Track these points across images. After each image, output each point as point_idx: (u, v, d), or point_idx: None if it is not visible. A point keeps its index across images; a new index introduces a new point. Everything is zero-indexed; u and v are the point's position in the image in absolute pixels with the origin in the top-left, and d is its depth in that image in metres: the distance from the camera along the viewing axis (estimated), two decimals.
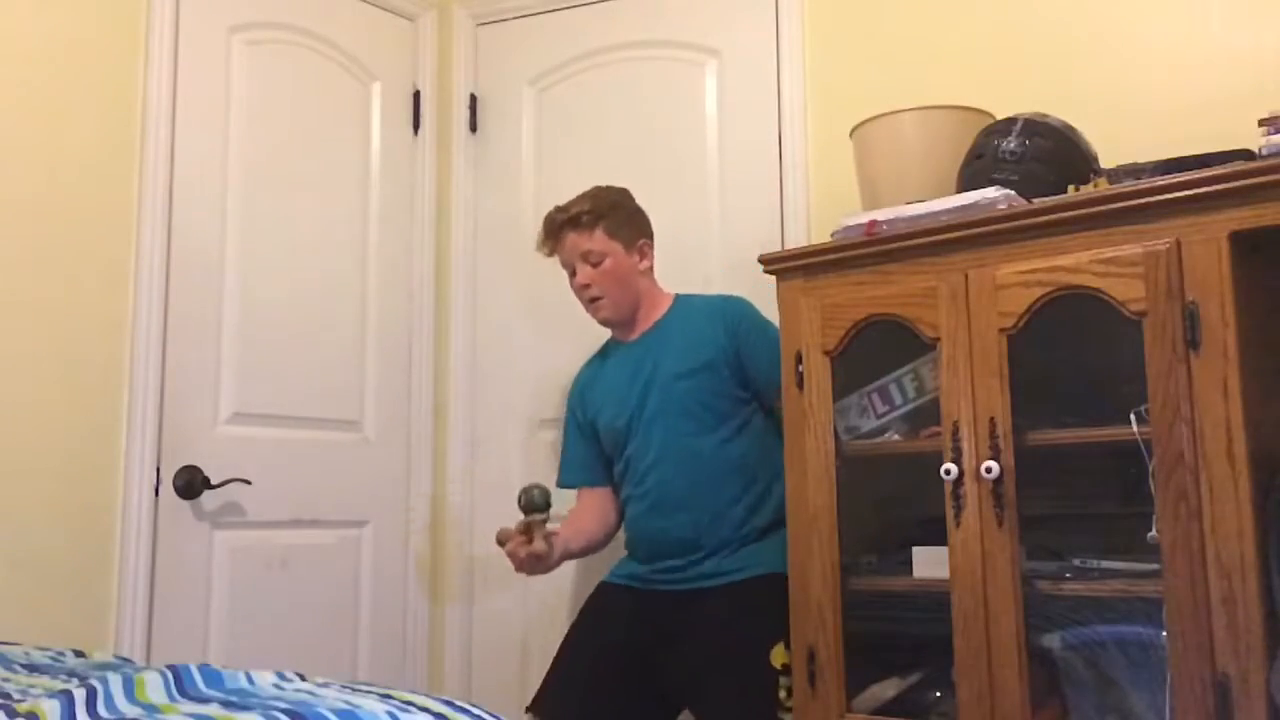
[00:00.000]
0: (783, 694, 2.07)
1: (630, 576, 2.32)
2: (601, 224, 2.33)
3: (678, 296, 2.42)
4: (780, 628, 2.09)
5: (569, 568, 2.42)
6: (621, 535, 2.40)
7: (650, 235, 2.41)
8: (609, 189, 2.40)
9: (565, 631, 2.34)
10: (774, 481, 2.24)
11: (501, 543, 2.17)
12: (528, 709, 2.22)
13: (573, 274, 2.37)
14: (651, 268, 2.41)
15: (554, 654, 2.29)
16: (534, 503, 2.14)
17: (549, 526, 2.18)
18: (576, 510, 2.41)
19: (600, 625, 2.29)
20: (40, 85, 2.29)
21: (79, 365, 2.30)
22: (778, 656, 2.09)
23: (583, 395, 2.45)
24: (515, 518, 2.15)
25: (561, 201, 2.38)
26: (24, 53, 2.28)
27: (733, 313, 2.32)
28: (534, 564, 2.16)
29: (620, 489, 2.38)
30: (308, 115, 2.77)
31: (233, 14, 2.64)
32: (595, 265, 2.32)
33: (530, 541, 2.13)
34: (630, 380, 2.34)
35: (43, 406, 2.24)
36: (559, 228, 2.36)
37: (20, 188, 2.25)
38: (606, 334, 2.47)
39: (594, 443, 2.42)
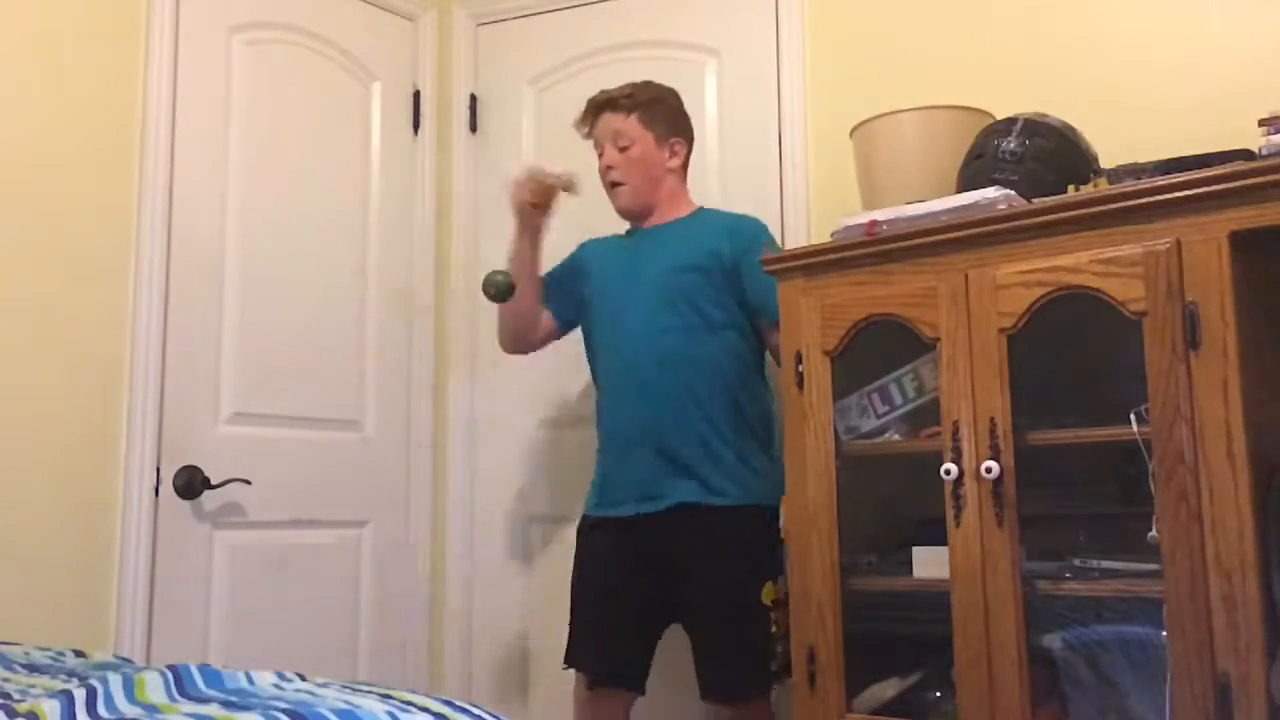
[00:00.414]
0: (773, 628, 2.14)
1: (613, 504, 2.32)
2: (637, 111, 2.36)
3: (701, 208, 2.45)
4: (770, 564, 2.15)
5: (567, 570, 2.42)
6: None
7: (688, 137, 2.44)
8: (657, 84, 2.42)
9: (568, 606, 2.37)
10: (750, 403, 2.29)
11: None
12: (565, 663, 2.31)
13: (600, 154, 2.40)
14: (684, 168, 2.44)
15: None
16: (501, 288, 2.25)
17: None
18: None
19: (599, 568, 2.33)
20: (40, 85, 2.29)
21: (79, 365, 2.30)
22: (767, 594, 2.16)
23: (596, 256, 2.48)
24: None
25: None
26: (24, 52, 2.28)
27: (745, 229, 2.35)
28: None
29: (592, 366, 2.44)
30: (308, 115, 2.77)
31: (233, 14, 2.64)
32: (622, 150, 2.35)
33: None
34: (630, 260, 2.38)
35: (43, 406, 2.24)
36: (597, 106, 2.39)
37: (21, 187, 2.25)
38: None
39: (577, 288, 2.46)
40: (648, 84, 2.41)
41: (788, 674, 2.08)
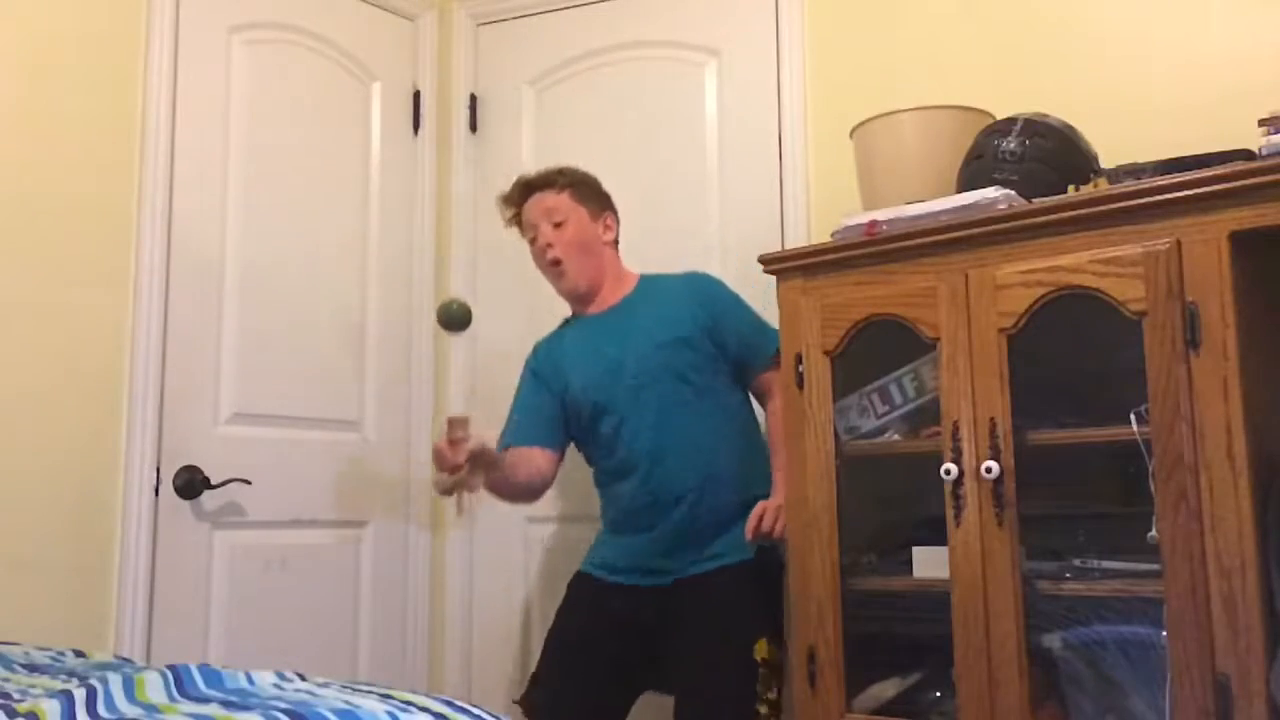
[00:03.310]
0: (759, 687, 2.08)
1: (615, 570, 2.28)
2: (570, 188, 2.33)
3: (643, 276, 2.40)
4: (767, 620, 2.12)
5: (567, 570, 2.42)
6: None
7: (616, 213, 2.40)
8: (578, 168, 2.39)
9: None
10: (755, 457, 2.27)
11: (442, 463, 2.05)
12: (515, 700, 2.25)
13: (533, 239, 2.34)
14: (616, 243, 2.39)
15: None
16: (453, 317, 2.11)
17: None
18: (516, 453, 2.29)
19: (585, 620, 2.28)
20: (41, 85, 2.29)
21: (79, 365, 2.30)
22: (760, 650, 2.11)
23: (555, 361, 2.36)
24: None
25: None
26: (24, 53, 2.28)
27: (705, 288, 2.32)
28: (471, 469, 2.04)
29: (598, 470, 2.35)
30: (308, 115, 2.77)
31: (233, 14, 2.64)
32: (557, 226, 2.30)
33: (462, 441, 2.02)
34: (601, 353, 2.29)
35: (43, 407, 2.24)
36: (524, 187, 2.35)
37: (20, 187, 2.24)
38: None
39: (556, 405, 2.34)
40: (570, 167, 2.37)
41: None
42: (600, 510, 2.39)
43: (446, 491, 2.09)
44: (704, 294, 2.31)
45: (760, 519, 2.13)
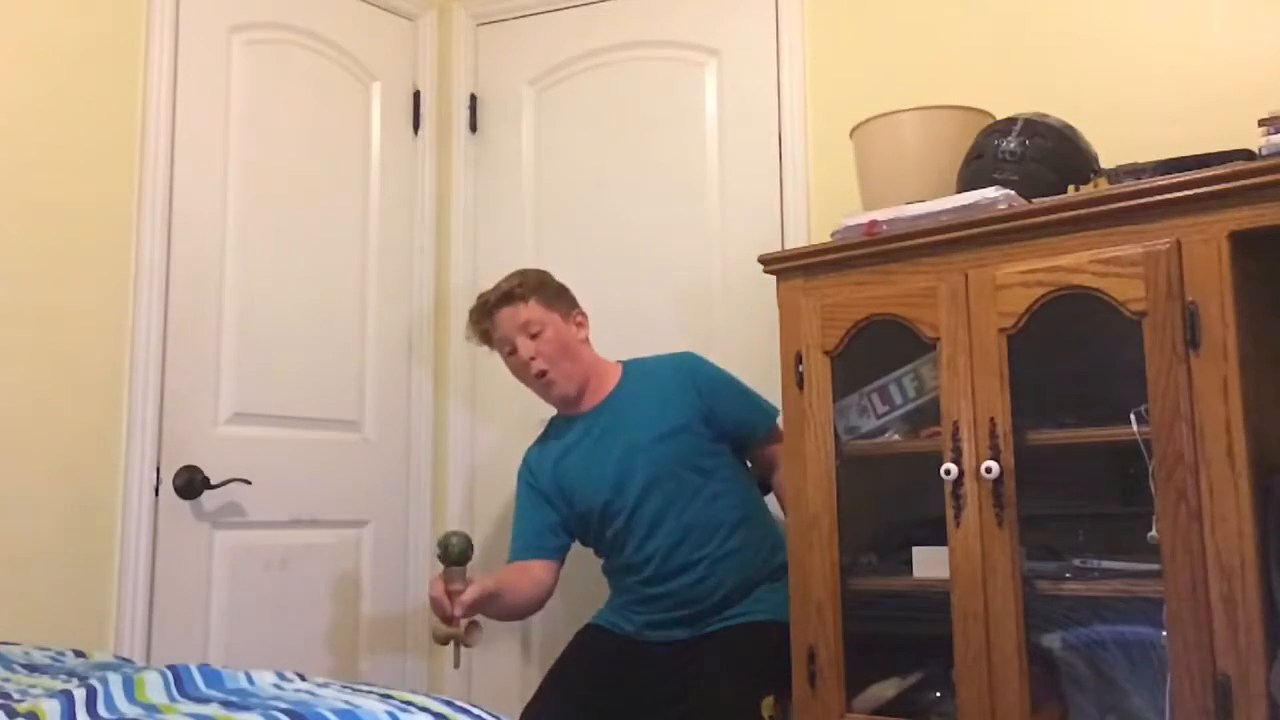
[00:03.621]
0: None
1: (624, 625, 2.29)
2: (535, 296, 2.28)
3: (625, 365, 2.37)
4: (775, 678, 2.10)
5: (571, 566, 2.41)
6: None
7: (581, 309, 2.36)
8: (529, 270, 2.36)
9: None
10: (764, 529, 2.27)
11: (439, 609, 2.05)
12: None
13: (510, 352, 2.29)
14: (588, 339, 2.36)
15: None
16: (451, 553, 2.06)
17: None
18: (515, 569, 2.29)
19: (588, 667, 2.24)
20: (40, 85, 2.29)
21: (79, 365, 2.30)
22: (766, 707, 2.11)
23: (554, 478, 2.32)
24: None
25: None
26: (23, 53, 2.27)
27: (695, 371, 2.30)
28: (468, 608, 2.04)
29: (607, 562, 2.34)
30: (308, 115, 2.77)
31: (233, 14, 2.64)
32: (535, 336, 2.26)
33: (459, 593, 2.03)
34: (600, 454, 2.27)
35: (43, 407, 2.24)
36: (491, 306, 2.30)
37: (20, 187, 2.24)
38: None
39: (556, 516, 2.32)
40: (522, 272, 2.34)
41: None
42: (609, 583, 2.39)
43: (443, 641, 2.06)
44: (695, 378, 2.28)
45: None
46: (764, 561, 2.25)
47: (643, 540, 2.24)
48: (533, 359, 2.26)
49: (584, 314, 2.37)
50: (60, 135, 2.31)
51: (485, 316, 2.31)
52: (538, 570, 2.28)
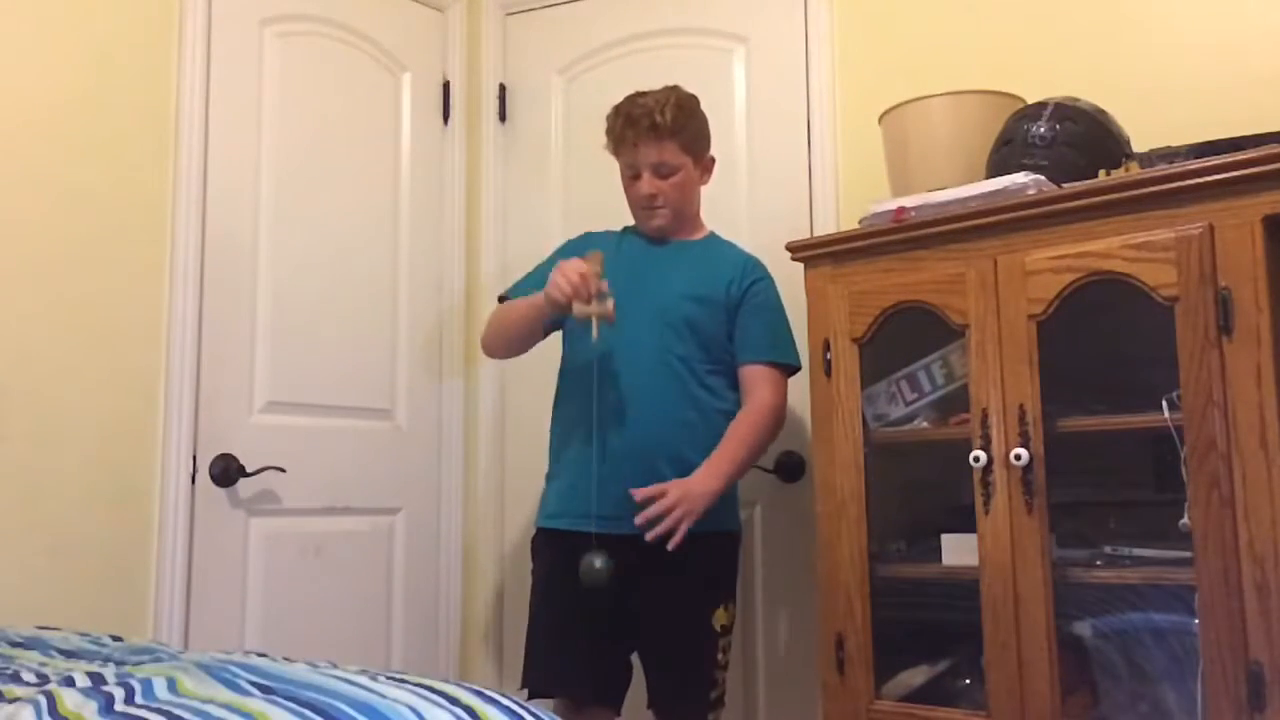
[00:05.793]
0: (719, 655, 2.16)
1: (577, 517, 2.18)
2: (679, 137, 2.26)
3: (712, 233, 2.39)
4: (727, 590, 2.18)
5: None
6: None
7: (711, 149, 2.36)
8: (685, 95, 2.30)
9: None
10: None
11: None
12: (522, 686, 2.19)
13: (635, 176, 2.28)
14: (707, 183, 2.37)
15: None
16: (596, 576, 2.06)
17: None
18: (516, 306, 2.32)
19: (564, 588, 2.16)
20: (74, 80, 2.32)
21: (116, 355, 2.34)
22: (719, 618, 2.16)
23: (594, 248, 2.24)
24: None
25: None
26: (58, 49, 2.31)
27: (753, 272, 2.29)
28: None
29: (565, 361, 2.33)
30: (339, 107, 2.79)
31: (264, 7, 2.66)
32: (665, 177, 2.27)
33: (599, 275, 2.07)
34: (640, 273, 2.27)
35: (82, 397, 2.28)
36: (638, 134, 2.24)
37: (58, 179, 2.28)
38: None
39: None
40: (679, 100, 2.27)
41: (722, 705, 2.17)
42: (549, 446, 2.35)
43: (586, 317, 2.08)
44: (749, 276, 2.28)
45: (658, 505, 2.05)
46: (707, 450, 2.16)
47: (621, 370, 2.20)
48: (654, 195, 2.27)
49: (713, 158, 2.36)
50: (96, 128, 2.34)
51: (628, 141, 2.26)
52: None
